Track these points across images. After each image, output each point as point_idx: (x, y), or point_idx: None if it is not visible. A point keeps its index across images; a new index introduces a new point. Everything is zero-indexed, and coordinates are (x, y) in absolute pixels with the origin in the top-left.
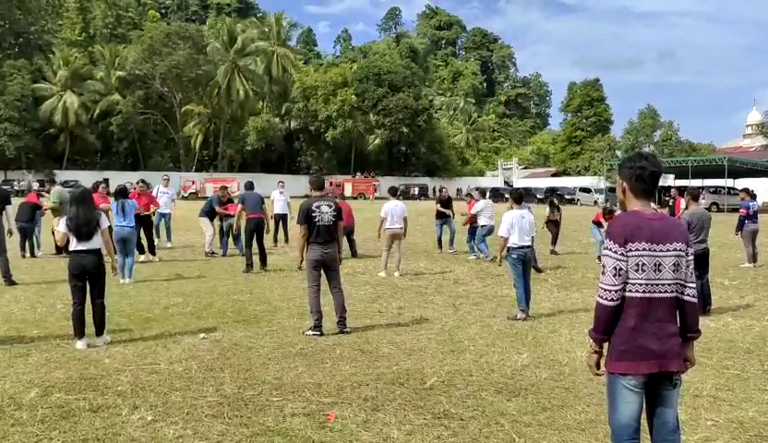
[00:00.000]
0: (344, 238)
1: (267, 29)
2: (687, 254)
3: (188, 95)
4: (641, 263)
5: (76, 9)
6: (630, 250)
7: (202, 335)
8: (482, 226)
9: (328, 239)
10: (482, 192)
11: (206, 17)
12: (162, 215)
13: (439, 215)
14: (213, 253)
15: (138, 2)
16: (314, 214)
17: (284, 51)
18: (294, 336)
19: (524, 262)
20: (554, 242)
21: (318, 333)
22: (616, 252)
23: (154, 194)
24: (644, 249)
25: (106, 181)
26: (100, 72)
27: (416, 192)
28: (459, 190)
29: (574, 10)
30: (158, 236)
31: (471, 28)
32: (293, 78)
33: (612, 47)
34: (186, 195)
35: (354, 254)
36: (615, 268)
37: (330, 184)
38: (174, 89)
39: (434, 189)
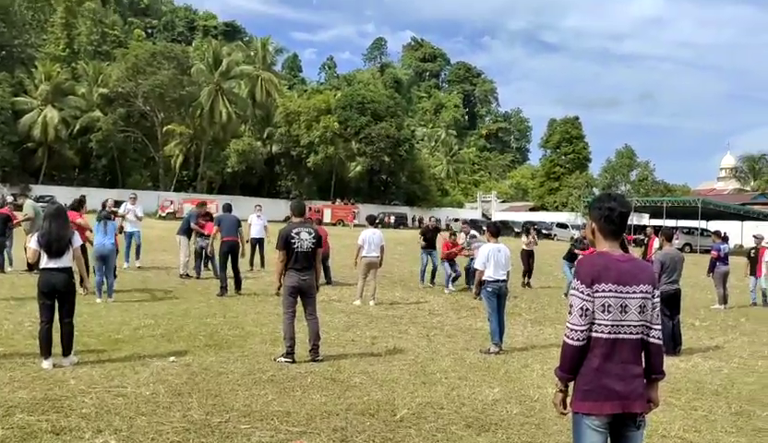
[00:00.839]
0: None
1: (252, 54)
2: (653, 296)
3: (171, 115)
4: (607, 304)
5: (61, 25)
6: (597, 291)
7: (172, 358)
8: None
9: (306, 266)
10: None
11: (192, 38)
12: (131, 234)
13: (425, 245)
14: (188, 275)
15: (124, 21)
16: (293, 240)
17: (269, 75)
18: (265, 362)
19: (499, 296)
20: (528, 275)
21: (289, 360)
22: (583, 292)
23: (122, 212)
24: (611, 290)
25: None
26: (82, 88)
27: (392, 220)
28: (438, 220)
29: (557, 49)
30: (127, 260)
31: (455, 61)
32: (276, 103)
33: (593, 87)
34: (163, 214)
35: (328, 281)
36: (582, 308)
37: (310, 209)
38: (156, 109)
39: (413, 218)
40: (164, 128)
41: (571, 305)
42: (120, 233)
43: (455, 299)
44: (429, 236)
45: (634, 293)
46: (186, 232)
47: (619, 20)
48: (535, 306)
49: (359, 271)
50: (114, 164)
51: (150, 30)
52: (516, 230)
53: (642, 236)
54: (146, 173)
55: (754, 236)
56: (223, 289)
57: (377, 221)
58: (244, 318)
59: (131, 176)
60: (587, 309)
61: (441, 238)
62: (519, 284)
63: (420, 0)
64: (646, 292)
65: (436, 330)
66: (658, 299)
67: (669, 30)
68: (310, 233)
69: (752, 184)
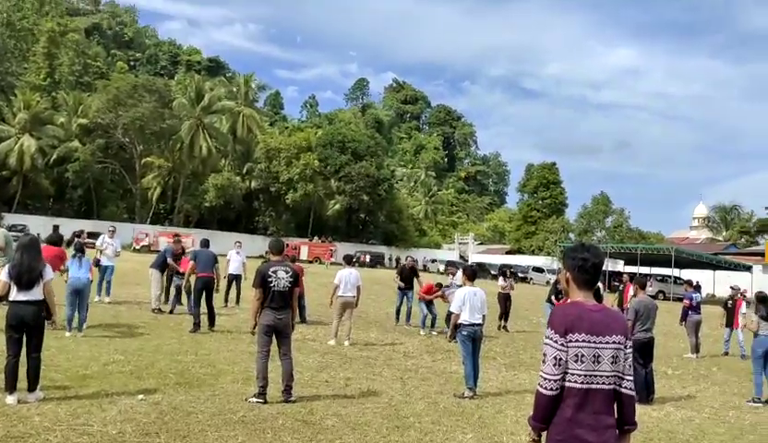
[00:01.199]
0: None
1: (235, 89)
2: (626, 347)
3: (150, 147)
4: (580, 354)
5: (43, 54)
6: (571, 341)
7: (141, 396)
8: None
9: (282, 305)
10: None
11: (175, 72)
12: (106, 268)
13: (402, 284)
14: (160, 310)
15: (107, 52)
16: (270, 279)
17: (251, 111)
18: (236, 402)
19: (474, 339)
20: (505, 318)
21: (261, 401)
22: (556, 342)
23: (99, 245)
24: (584, 340)
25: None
26: (61, 118)
27: (368, 259)
28: (414, 260)
29: (537, 96)
30: (98, 294)
31: (436, 104)
32: (257, 139)
33: (571, 134)
34: (138, 247)
35: (303, 319)
36: (555, 357)
37: (287, 246)
38: (135, 141)
39: (390, 258)
40: (143, 160)
41: (545, 354)
42: (96, 265)
43: (430, 341)
44: (406, 276)
45: (607, 343)
46: (160, 266)
47: (597, 70)
48: (510, 351)
49: (334, 311)
50: (89, 195)
51: (132, 63)
52: (492, 272)
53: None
54: (122, 205)
55: (731, 287)
56: (196, 325)
57: (354, 260)
58: (216, 356)
59: (107, 208)
60: (560, 359)
61: (419, 281)
62: (495, 327)
63: (403, 43)
64: (619, 342)
65: (410, 373)
66: (630, 350)
67: (644, 81)
68: (287, 272)
69: (724, 234)
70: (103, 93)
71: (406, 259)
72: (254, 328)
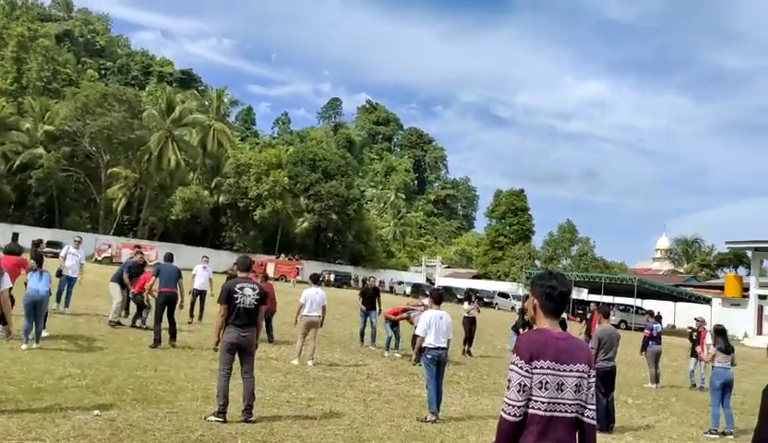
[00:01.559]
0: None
1: (207, 103)
2: (589, 375)
3: (117, 157)
4: (544, 381)
5: (11, 59)
6: (535, 368)
7: (96, 412)
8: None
9: (247, 322)
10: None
11: (146, 83)
12: (69, 279)
13: (364, 306)
14: (119, 323)
15: (77, 60)
16: (236, 295)
17: (222, 126)
18: (195, 421)
19: (438, 363)
20: (469, 343)
21: (221, 420)
22: (522, 368)
23: (63, 255)
24: (549, 368)
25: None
26: (27, 123)
27: (332, 278)
28: (381, 282)
29: (507, 124)
30: (57, 301)
31: (408, 126)
32: (227, 154)
33: (540, 162)
34: (99, 258)
35: (270, 338)
36: (519, 384)
37: (253, 263)
38: (102, 150)
39: (356, 278)
40: (109, 170)
41: (509, 380)
42: (58, 276)
43: (394, 364)
44: (369, 297)
45: (571, 371)
46: (120, 279)
47: (567, 100)
48: (474, 376)
49: (299, 330)
50: (52, 203)
51: (103, 72)
52: (459, 296)
53: (582, 311)
54: (85, 215)
55: (696, 319)
56: (157, 341)
57: (320, 279)
58: (176, 373)
59: (69, 216)
60: (525, 385)
61: (379, 300)
62: (459, 352)
63: (377, 64)
64: (583, 371)
65: (373, 395)
66: (594, 379)
67: (613, 114)
68: (254, 289)
69: (686, 266)
70: (72, 101)
71: (370, 280)
72: (216, 344)
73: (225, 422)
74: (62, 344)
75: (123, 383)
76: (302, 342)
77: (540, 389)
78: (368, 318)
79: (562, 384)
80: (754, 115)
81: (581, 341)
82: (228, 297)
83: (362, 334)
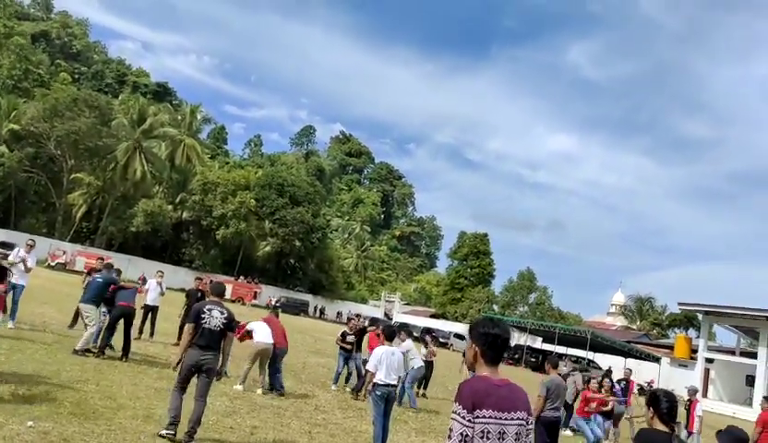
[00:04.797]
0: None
1: (180, 118)
2: (528, 423)
3: (81, 163)
4: (486, 430)
5: None
6: (478, 417)
7: (30, 423)
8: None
9: (210, 344)
10: (407, 332)
11: (120, 91)
12: (14, 286)
13: (344, 347)
14: (87, 351)
15: (51, 61)
16: (203, 316)
17: (192, 142)
18: (132, 440)
19: (387, 400)
20: (425, 385)
21: (171, 432)
22: (464, 418)
23: (12, 258)
24: (491, 416)
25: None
26: None
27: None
28: (339, 313)
29: (477, 168)
30: (3, 312)
31: (379, 161)
32: (195, 170)
33: (506, 208)
34: (52, 264)
35: (278, 387)
36: (461, 433)
37: (210, 281)
38: (67, 154)
39: (315, 307)
40: (72, 176)
41: (451, 430)
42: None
43: (343, 397)
44: (357, 337)
45: (512, 419)
46: (99, 301)
47: (537, 151)
48: (422, 416)
49: (248, 356)
50: (9, 203)
51: (77, 76)
52: (415, 334)
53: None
54: (42, 218)
55: (687, 388)
56: (101, 350)
57: (277, 305)
58: (118, 389)
59: (25, 218)
60: (467, 435)
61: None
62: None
63: (355, 98)
64: (522, 419)
65: (319, 428)
66: (532, 426)
67: (580, 168)
68: (222, 313)
69: (638, 323)
70: (41, 101)
71: (358, 319)
72: (177, 364)
73: (175, 435)
74: (1, 351)
75: (61, 396)
76: (249, 369)
77: (482, 438)
78: (350, 360)
79: (504, 433)
80: (715, 182)
81: (519, 388)
82: (196, 317)
83: (337, 376)
